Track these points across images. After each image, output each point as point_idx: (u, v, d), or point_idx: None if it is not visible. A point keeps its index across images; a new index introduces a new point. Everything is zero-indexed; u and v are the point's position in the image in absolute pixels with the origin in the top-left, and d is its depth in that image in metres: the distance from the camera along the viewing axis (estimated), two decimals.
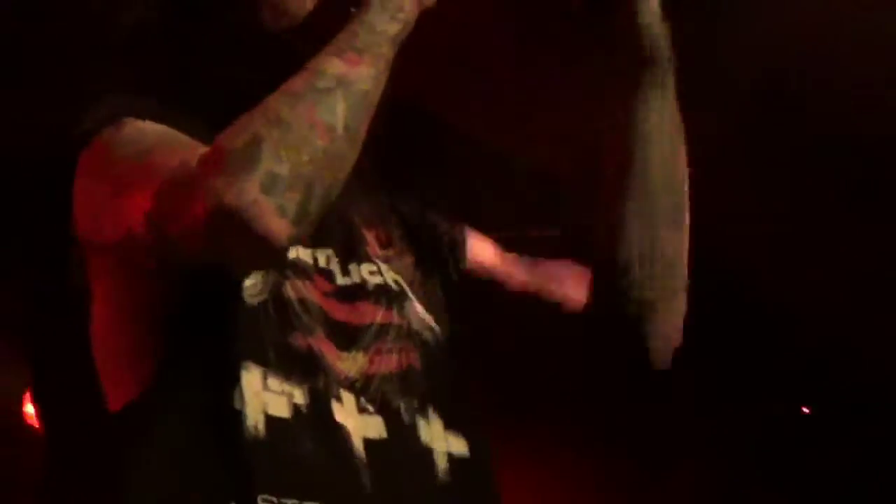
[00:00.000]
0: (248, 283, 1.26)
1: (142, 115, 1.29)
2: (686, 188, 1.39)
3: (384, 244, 1.43)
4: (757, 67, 3.21)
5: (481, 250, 1.51)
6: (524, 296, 1.46)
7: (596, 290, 1.40)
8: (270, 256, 1.21)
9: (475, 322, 1.47)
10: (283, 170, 1.14)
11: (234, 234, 1.14)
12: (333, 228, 1.37)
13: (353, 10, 1.31)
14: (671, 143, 1.37)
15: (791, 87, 3.29)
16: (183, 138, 1.26)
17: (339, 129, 1.19)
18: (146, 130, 1.28)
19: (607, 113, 1.38)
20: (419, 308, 1.40)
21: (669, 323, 1.40)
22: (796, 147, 3.50)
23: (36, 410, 2.50)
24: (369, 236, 1.42)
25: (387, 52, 1.26)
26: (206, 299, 1.25)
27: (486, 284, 1.48)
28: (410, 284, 1.41)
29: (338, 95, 1.20)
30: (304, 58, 1.25)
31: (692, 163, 1.39)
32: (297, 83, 1.21)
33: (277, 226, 1.13)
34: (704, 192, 1.39)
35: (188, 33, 1.44)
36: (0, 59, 2.85)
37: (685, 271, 1.39)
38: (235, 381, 1.21)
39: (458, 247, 1.50)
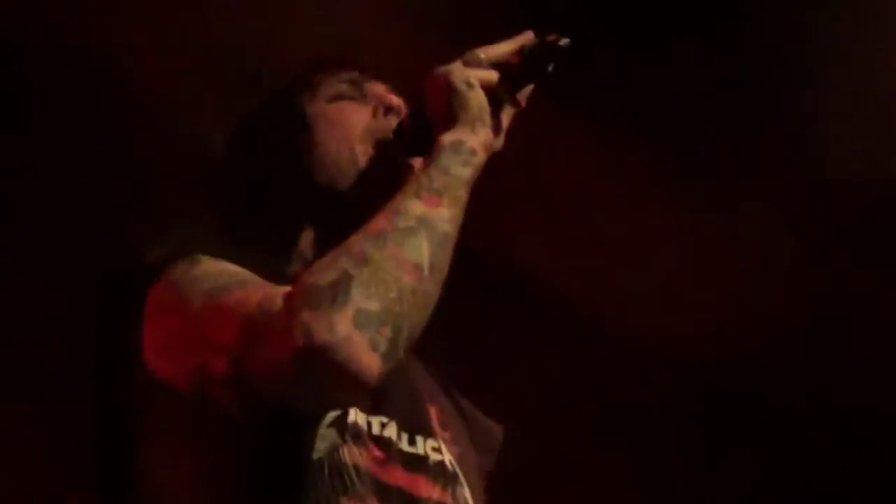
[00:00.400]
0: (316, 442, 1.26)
1: (213, 253, 1.32)
2: None
3: (443, 423, 1.43)
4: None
5: None
6: None
7: None
8: (359, 393, 1.22)
9: None
10: (374, 306, 1.15)
11: (325, 370, 1.14)
12: (393, 396, 1.35)
13: (408, 160, 1.38)
14: None
15: None
16: (257, 278, 1.28)
17: (426, 269, 1.21)
18: (220, 268, 1.30)
19: None
20: (468, 494, 1.39)
21: None
22: None
23: None
24: (432, 411, 1.43)
25: (464, 195, 1.29)
26: (272, 445, 1.25)
27: None
28: (463, 469, 1.40)
29: (422, 235, 1.22)
30: (358, 211, 1.29)
31: None
32: (379, 223, 1.24)
33: (370, 361, 1.14)
34: None
35: (252, 180, 1.49)
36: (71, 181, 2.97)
37: None
38: None
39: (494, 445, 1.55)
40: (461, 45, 1.40)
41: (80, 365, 1.44)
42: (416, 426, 1.37)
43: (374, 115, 1.49)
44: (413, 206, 1.25)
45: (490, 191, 1.36)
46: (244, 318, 1.20)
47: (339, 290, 1.16)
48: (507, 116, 1.39)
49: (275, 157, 1.48)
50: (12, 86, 2.98)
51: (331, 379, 1.16)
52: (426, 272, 1.21)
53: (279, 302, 1.18)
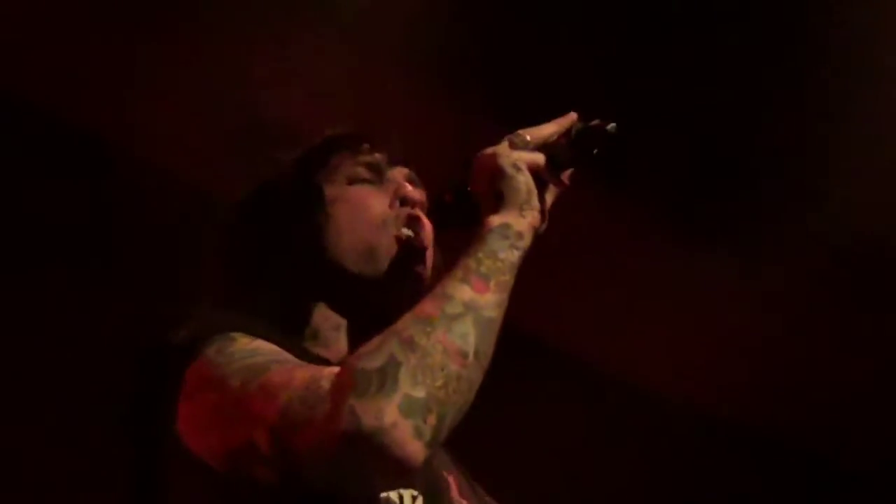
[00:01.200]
0: None
1: (248, 332, 1.33)
2: None
3: (462, 492, 1.44)
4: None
5: None
6: None
7: None
8: (401, 478, 1.24)
9: None
10: (421, 393, 1.17)
11: (370, 455, 1.16)
12: (424, 472, 1.34)
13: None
14: None
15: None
16: (294, 359, 1.30)
17: (471, 356, 1.23)
18: (258, 347, 1.31)
19: None
20: None
21: None
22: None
23: None
24: (451, 480, 1.43)
25: (509, 281, 1.30)
26: None
27: None
28: None
29: (468, 322, 1.24)
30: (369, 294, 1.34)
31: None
32: (427, 307, 1.26)
33: (414, 448, 1.16)
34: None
35: (265, 249, 1.50)
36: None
37: None
38: None
39: None
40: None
41: (115, 444, 1.45)
42: (438, 498, 1.38)
43: (391, 205, 1.50)
44: (461, 292, 1.27)
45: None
46: (289, 398, 1.22)
47: (387, 377, 1.18)
48: (551, 196, 1.41)
49: (290, 231, 1.49)
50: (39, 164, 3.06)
51: (375, 464, 1.17)
52: (471, 359, 1.22)
53: (325, 385, 1.20)
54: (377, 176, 1.54)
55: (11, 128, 3.05)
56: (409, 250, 1.47)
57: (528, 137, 1.40)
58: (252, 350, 1.31)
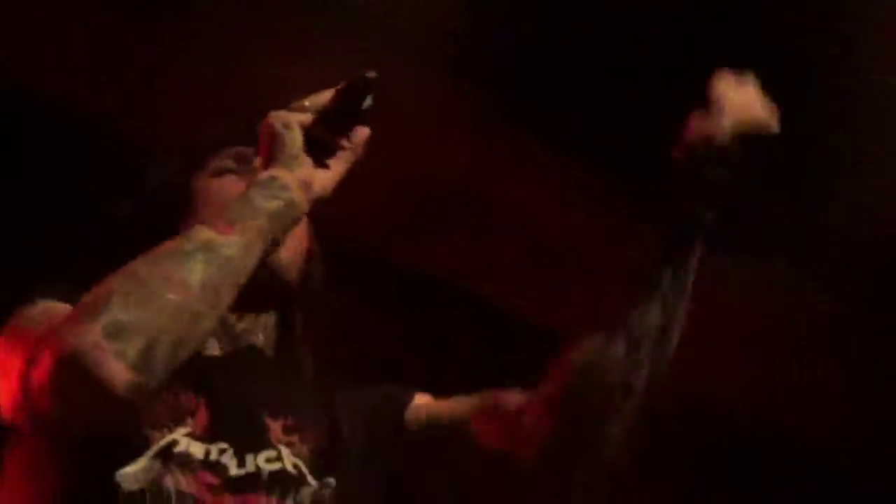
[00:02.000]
0: (128, 470, 1.31)
1: (53, 296, 1.39)
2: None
3: (290, 429, 1.45)
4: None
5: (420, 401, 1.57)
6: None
7: None
8: (114, 405, 1.21)
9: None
10: (128, 318, 1.19)
11: (75, 378, 1.18)
12: (234, 422, 1.41)
13: None
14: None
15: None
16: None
17: (195, 287, 1.24)
18: (48, 310, 1.37)
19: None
20: (312, 490, 1.42)
21: None
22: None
23: None
24: (274, 424, 1.45)
25: (261, 224, 1.32)
26: (83, 486, 1.31)
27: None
28: (312, 467, 1.43)
29: (199, 257, 1.26)
30: None
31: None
32: (163, 247, 1.29)
33: (115, 370, 1.17)
34: None
35: None
36: None
37: None
38: None
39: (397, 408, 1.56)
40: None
41: None
42: (247, 445, 1.40)
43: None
44: (200, 233, 1.29)
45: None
46: (33, 342, 1.26)
47: (99, 303, 1.21)
48: (340, 162, 1.42)
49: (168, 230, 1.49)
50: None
51: (80, 386, 1.19)
52: (196, 290, 1.24)
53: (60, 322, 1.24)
54: (243, 165, 1.58)
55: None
56: None
57: (307, 102, 1.42)
58: (41, 311, 1.38)
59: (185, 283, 1.24)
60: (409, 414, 1.56)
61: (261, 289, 1.45)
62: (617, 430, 1.43)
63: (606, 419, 1.42)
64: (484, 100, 3.26)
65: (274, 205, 1.34)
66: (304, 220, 1.52)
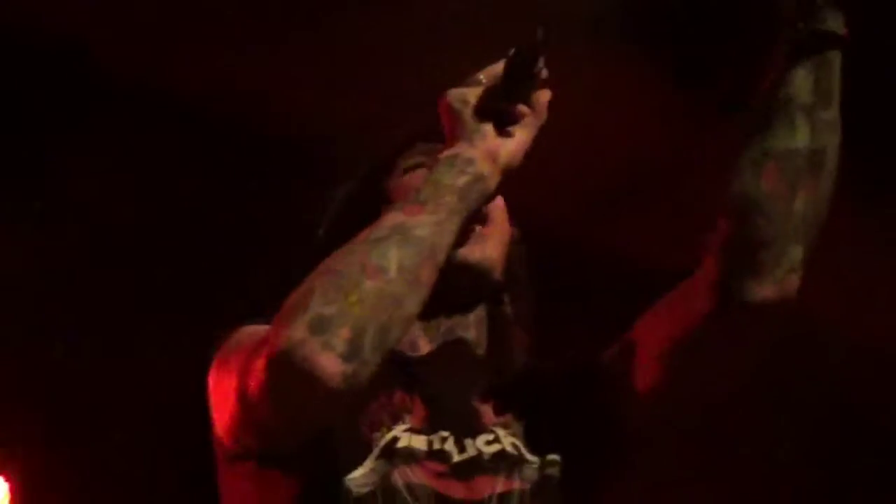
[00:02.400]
0: (356, 474, 1.34)
1: (255, 321, 1.41)
2: None
3: (500, 411, 1.46)
4: None
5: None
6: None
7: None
8: (329, 399, 1.23)
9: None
10: (331, 311, 1.21)
11: (288, 376, 1.21)
12: (450, 410, 1.43)
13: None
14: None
15: None
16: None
17: (392, 271, 1.24)
18: (253, 330, 1.39)
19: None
20: (535, 467, 1.42)
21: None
22: None
23: None
24: (483, 407, 1.46)
25: (451, 201, 1.31)
26: (314, 498, 1.34)
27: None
28: (530, 445, 1.43)
29: (392, 241, 1.26)
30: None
31: None
32: (356, 238, 1.29)
33: (326, 362, 1.19)
34: None
35: None
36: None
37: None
38: None
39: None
40: None
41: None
42: (464, 431, 1.41)
43: None
44: (391, 218, 1.29)
45: None
46: (247, 353, 1.30)
47: (301, 302, 1.22)
48: (525, 129, 1.38)
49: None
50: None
51: (294, 383, 1.21)
52: (393, 274, 1.24)
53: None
54: (434, 157, 1.54)
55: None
56: None
57: (481, 75, 1.39)
58: (244, 332, 1.41)
59: (382, 269, 1.24)
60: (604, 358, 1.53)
61: (471, 290, 1.50)
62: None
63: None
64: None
65: (462, 180, 1.32)
66: (503, 207, 1.53)
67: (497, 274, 1.52)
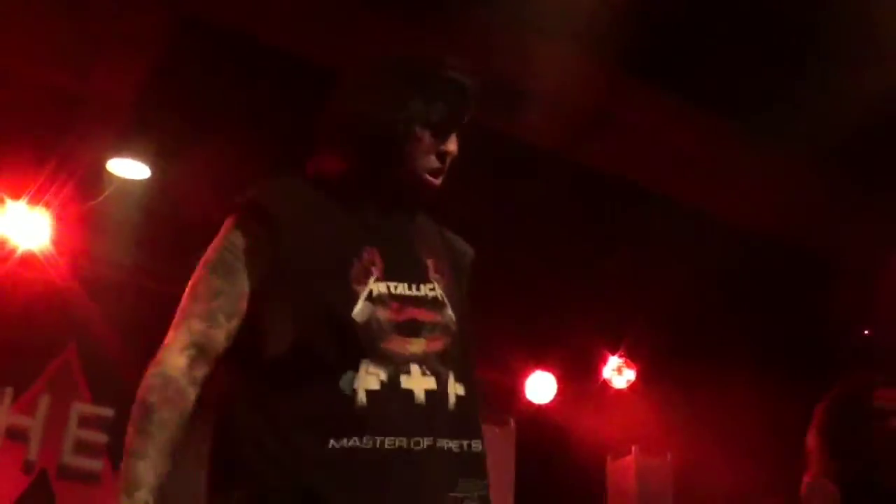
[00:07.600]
0: (356, 310, 2.00)
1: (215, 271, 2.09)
2: None
3: (437, 270, 2.15)
4: None
5: None
6: None
7: None
8: None
9: None
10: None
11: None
12: (407, 263, 2.12)
13: None
14: None
15: None
16: (193, 306, 2.07)
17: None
18: (205, 280, 2.09)
19: None
20: (450, 312, 2.12)
21: None
22: None
23: None
24: (430, 263, 2.16)
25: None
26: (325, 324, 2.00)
27: None
28: (448, 297, 2.13)
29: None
30: None
31: None
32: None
33: None
34: None
35: None
36: None
37: None
38: (355, 370, 1.98)
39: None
40: None
41: None
42: (418, 279, 2.10)
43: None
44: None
45: None
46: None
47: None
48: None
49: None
50: None
51: None
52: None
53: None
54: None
55: None
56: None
57: None
58: (199, 281, 2.11)
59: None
60: None
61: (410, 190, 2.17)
62: None
63: None
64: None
65: None
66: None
67: (431, 185, 2.19)
